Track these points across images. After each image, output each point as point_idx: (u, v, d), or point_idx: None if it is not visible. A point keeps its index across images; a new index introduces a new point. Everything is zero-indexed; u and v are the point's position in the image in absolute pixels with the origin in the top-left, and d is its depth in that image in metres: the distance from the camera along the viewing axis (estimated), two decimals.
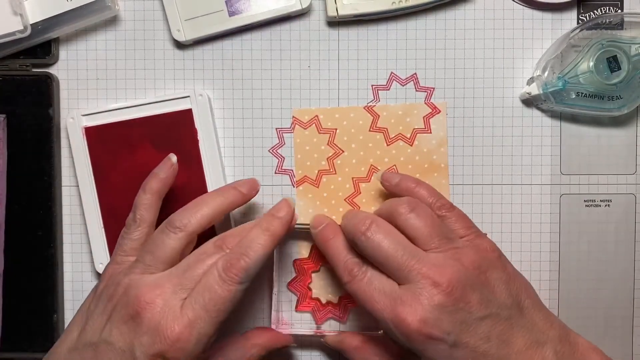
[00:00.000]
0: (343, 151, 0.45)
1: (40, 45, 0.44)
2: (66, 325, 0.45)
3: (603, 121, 0.45)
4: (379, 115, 0.45)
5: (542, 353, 0.35)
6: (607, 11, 0.45)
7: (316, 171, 0.45)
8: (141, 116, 0.44)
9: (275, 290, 0.44)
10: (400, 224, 0.37)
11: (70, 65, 0.45)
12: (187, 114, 0.44)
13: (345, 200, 0.45)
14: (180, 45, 0.45)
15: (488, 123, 0.45)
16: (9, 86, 0.44)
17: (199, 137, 0.44)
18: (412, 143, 0.45)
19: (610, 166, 0.46)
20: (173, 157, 0.41)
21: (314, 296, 0.45)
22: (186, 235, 0.37)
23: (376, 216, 0.38)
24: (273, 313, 0.44)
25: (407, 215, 0.37)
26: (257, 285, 0.46)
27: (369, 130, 0.45)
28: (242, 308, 0.46)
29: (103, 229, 0.44)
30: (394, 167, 0.45)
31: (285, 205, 0.38)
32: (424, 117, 0.45)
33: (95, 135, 0.44)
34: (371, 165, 0.45)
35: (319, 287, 0.45)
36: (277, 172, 0.46)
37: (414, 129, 0.45)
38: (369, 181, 0.45)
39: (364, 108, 0.45)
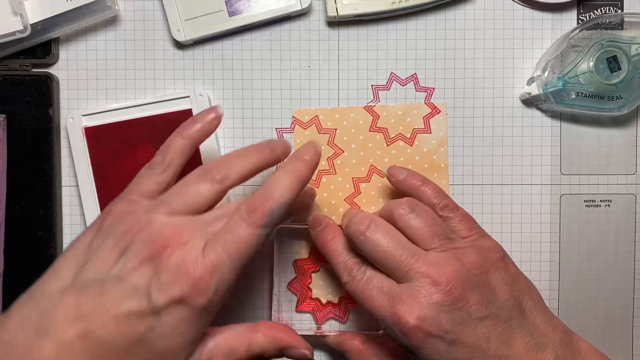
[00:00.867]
0: (343, 151, 0.45)
1: (40, 45, 0.44)
2: None
3: (603, 121, 0.45)
4: (379, 116, 0.45)
5: (543, 357, 0.35)
6: (607, 11, 0.45)
7: (316, 171, 0.45)
8: (141, 116, 0.44)
9: (275, 290, 0.44)
10: (400, 225, 0.37)
11: (70, 65, 0.45)
12: (187, 114, 0.44)
13: (345, 200, 0.45)
14: (180, 45, 0.45)
15: (488, 123, 0.45)
16: (9, 86, 0.44)
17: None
18: (412, 143, 0.45)
19: (610, 166, 0.46)
20: (220, 109, 0.37)
21: (313, 296, 0.45)
22: (222, 189, 0.34)
23: (376, 216, 0.38)
24: (273, 313, 0.44)
25: (407, 215, 0.37)
26: (257, 285, 0.46)
27: (369, 131, 0.45)
28: (242, 308, 0.46)
29: None
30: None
31: (310, 148, 0.35)
32: (424, 117, 0.45)
33: (95, 135, 0.44)
34: (371, 165, 0.45)
35: (319, 287, 0.45)
36: None
37: (414, 129, 0.45)
38: (369, 181, 0.45)
39: (364, 108, 0.45)
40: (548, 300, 0.46)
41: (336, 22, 0.45)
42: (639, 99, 0.43)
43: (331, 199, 0.45)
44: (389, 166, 0.42)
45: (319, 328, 0.45)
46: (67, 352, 0.30)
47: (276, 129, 0.45)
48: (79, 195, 0.45)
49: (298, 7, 0.44)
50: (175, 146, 0.36)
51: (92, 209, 0.44)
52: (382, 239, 0.36)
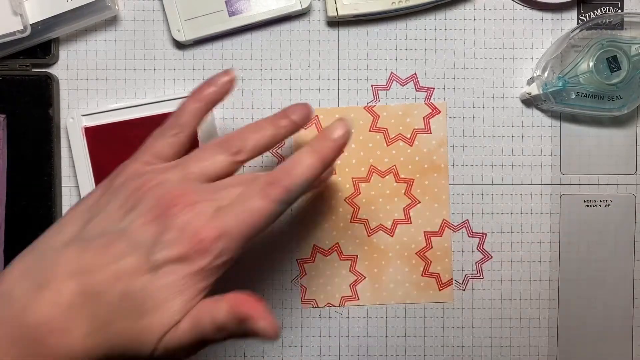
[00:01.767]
0: (343, 151, 0.45)
1: (40, 45, 0.44)
2: None
3: (603, 121, 0.45)
4: (379, 116, 0.45)
5: None
6: (607, 11, 0.45)
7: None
8: (141, 116, 0.44)
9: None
10: None
11: (70, 65, 0.45)
12: None
13: (345, 200, 0.45)
14: (180, 45, 0.45)
15: (488, 123, 0.45)
16: (9, 86, 0.44)
17: (199, 138, 0.44)
18: (412, 143, 0.45)
19: (610, 166, 0.46)
20: (233, 72, 0.36)
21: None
22: (238, 161, 0.33)
23: None
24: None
25: None
26: (258, 284, 0.46)
27: (369, 131, 0.45)
28: None
29: None
30: (394, 167, 0.45)
31: (341, 126, 0.33)
32: (424, 117, 0.45)
33: (95, 135, 0.44)
34: (371, 165, 0.45)
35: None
36: None
37: (414, 129, 0.45)
38: (369, 181, 0.45)
39: (364, 108, 0.45)
40: (548, 300, 0.46)
41: (336, 22, 0.45)
42: (639, 99, 0.43)
43: (331, 199, 0.45)
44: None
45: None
46: (65, 306, 0.29)
47: None
48: (79, 195, 0.45)
49: (298, 7, 0.44)
50: (190, 108, 0.35)
51: None
52: None
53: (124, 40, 0.45)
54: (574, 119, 0.45)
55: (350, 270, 0.46)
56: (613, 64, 0.42)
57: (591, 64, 0.42)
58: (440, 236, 0.46)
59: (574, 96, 0.43)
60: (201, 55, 0.45)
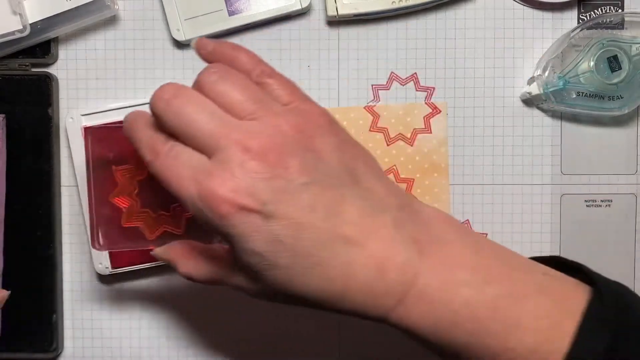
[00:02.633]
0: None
1: (39, 45, 0.44)
2: (65, 324, 0.45)
3: (604, 121, 0.45)
4: (379, 115, 0.45)
5: (380, 221, 0.30)
6: (608, 11, 0.45)
7: None
8: None
9: (92, 202, 0.39)
10: (208, 93, 0.32)
11: (70, 65, 0.45)
12: None
13: None
14: (180, 45, 0.45)
15: (488, 123, 0.45)
16: (8, 86, 0.44)
17: None
18: (413, 143, 0.45)
19: (610, 166, 0.45)
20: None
21: (143, 208, 0.40)
22: None
23: (184, 85, 0.32)
24: (90, 230, 0.39)
25: (215, 81, 0.32)
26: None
27: (369, 130, 0.45)
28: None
29: None
30: (394, 167, 0.45)
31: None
32: (424, 117, 0.45)
33: (95, 135, 0.44)
34: None
35: (148, 197, 0.40)
36: None
37: (414, 129, 0.45)
38: None
39: (364, 108, 0.45)
40: None
41: (336, 22, 0.45)
42: None
43: None
44: (196, 38, 0.35)
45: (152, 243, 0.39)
46: None
47: None
48: (79, 195, 0.45)
49: (298, 7, 0.44)
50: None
51: None
52: (187, 105, 0.31)
53: (124, 39, 0.45)
54: (574, 118, 0.45)
55: None
56: (614, 63, 0.42)
57: (592, 63, 0.42)
58: None
59: (574, 96, 0.43)
60: None
